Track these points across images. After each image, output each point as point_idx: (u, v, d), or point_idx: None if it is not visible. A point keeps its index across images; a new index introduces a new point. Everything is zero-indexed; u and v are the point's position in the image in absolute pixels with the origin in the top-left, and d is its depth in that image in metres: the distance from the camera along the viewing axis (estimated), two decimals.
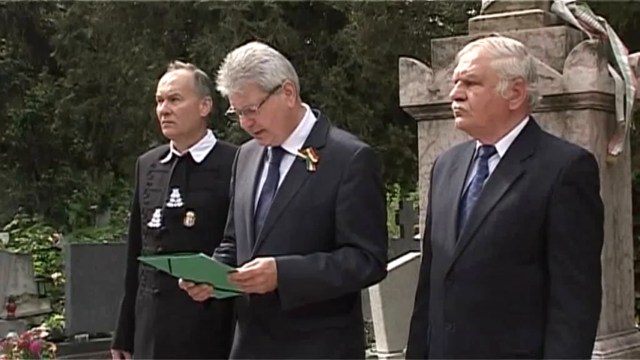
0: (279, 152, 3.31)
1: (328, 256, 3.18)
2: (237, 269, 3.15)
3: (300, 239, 3.21)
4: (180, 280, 3.22)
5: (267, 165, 3.34)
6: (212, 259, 3.24)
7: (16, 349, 9.14)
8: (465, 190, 3.08)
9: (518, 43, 3.14)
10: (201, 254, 3.14)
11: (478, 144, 3.13)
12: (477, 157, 3.12)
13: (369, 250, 3.19)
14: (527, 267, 2.97)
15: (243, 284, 3.14)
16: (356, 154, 3.22)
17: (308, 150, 3.26)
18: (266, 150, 3.36)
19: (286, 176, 3.27)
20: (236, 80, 3.22)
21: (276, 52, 3.32)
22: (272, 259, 3.14)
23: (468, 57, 3.08)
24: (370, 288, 8.87)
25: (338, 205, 3.20)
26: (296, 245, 3.20)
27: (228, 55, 3.29)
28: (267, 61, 3.24)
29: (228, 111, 3.32)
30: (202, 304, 3.32)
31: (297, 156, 3.27)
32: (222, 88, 3.27)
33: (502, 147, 3.07)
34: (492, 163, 3.07)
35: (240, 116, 3.28)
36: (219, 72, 3.28)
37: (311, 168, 3.24)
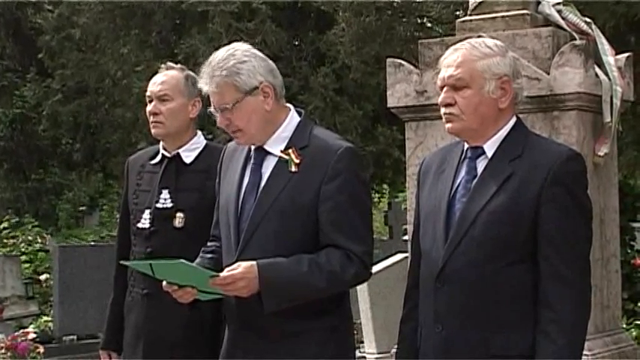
0: (262, 153, 3.31)
1: (311, 257, 3.17)
2: (219, 274, 3.16)
3: (284, 240, 3.21)
4: (164, 283, 3.23)
5: (250, 166, 3.34)
6: (193, 264, 3.23)
7: (3, 350, 9.13)
8: (453, 191, 3.08)
9: (499, 42, 3.14)
10: (182, 260, 3.15)
11: (466, 145, 3.13)
12: (464, 158, 3.12)
13: (352, 251, 3.19)
14: (517, 267, 2.97)
15: (225, 288, 3.15)
16: (338, 154, 3.21)
17: (290, 151, 3.25)
18: (250, 150, 3.36)
19: (268, 177, 3.27)
20: (213, 78, 3.24)
21: (259, 54, 3.31)
22: (253, 262, 3.14)
23: (451, 61, 3.06)
24: (358, 289, 8.88)
25: (321, 206, 3.19)
26: (280, 246, 3.20)
27: (212, 54, 3.31)
28: (245, 61, 3.25)
29: (210, 109, 3.33)
30: (188, 305, 3.32)
31: (280, 157, 3.26)
32: (201, 85, 3.30)
33: (490, 148, 3.06)
34: (481, 164, 3.07)
35: (218, 114, 3.29)
36: (201, 69, 3.31)
37: (293, 169, 3.23)
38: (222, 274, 3.14)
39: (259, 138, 3.29)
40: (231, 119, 3.25)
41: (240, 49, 3.29)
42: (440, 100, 3.08)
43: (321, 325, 3.23)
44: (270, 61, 3.33)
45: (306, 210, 3.20)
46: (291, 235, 3.21)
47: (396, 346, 3.32)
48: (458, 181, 3.09)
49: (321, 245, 3.21)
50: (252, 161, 3.33)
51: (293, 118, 3.33)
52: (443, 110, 3.08)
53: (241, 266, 3.14)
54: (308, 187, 3.21)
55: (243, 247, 3.24)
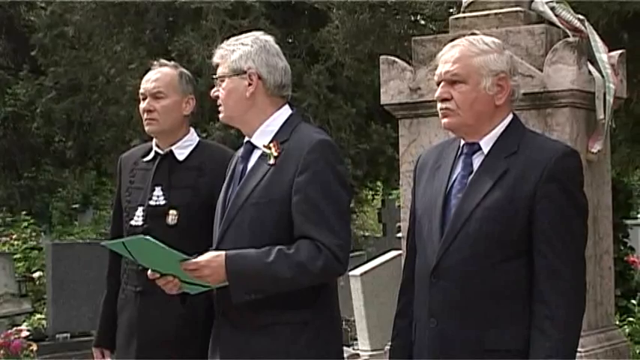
0: (250, 146, 3.39)
1: (280, 248, 3.19)
2: (187, 256, 3.21)
3: (259, 232, 3.24)
4: (149, 271, 3.29)
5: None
6: (158, 242, 3.24)
7: None
8: (449, 187, 3.09)
9: (497, 40, 3.16)
10: (147, 237, 3.22)
11: (462, 141, 3.14)
12: (460, 154, 3.13)
13: (322, 242, 3.18)
14: (512, 263, 2.98)
15: (192, 274, 3.20)
16: (311, 146, 3.25)
17: (271, 144, 3.31)
18: None
19: (250, 170, 3.34)
20: (219, 50, 3.41)
21: (271, 48, 3.38)
22: (221, 252, 3.20)
23: (448, 57, 3.08)
24: (352, 286, 8.88)
25: (293, 197, 3.22)
26: (255, 238, 3.23)
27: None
28: (246, 45, 3.37)
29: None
30: (178, 298, 3.36)
31: (263, 151, 3.32)
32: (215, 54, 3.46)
33: (486, 144, 3.07)
34: (477, 160, 3.08)
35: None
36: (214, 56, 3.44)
37: (271, 161, 3.29)
38: (189, 261, 3.19)
39: (238, 121, 3.39)
40: (219, 91, 3.39)
41: (255, 36, 3.41)
42: (436, 95, 3.09)
43: (291, 319, 3.24)
44: (279, 60, 3.38)
45: (280, 202, 3.23)
46: (265, 227, 3.24)
47: (390, 341, 3.32)
48: (454, 176, 3.10)
49: (294, 237, 3.22)
50: (240, 154, 3.41)
51: (282, 114, 3.38)
52: (439, 105, 3.09)
53: (209, 255, 3.21)
54: (283, 180, 3.25)
55: (220, 238, 3.31)
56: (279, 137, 3.32)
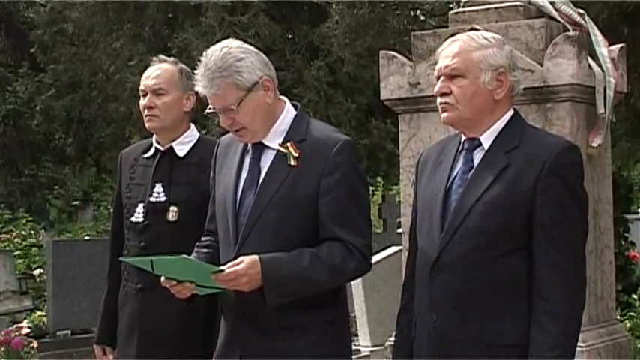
0: (260, 147, 3.30)
1: (312, 251, 3.17)
2: (222, 267, 3.14)
3: (283, 234, 3.20)
4: (162, 278, 3.21)
5: (247, 160, 3.32)
6: (195, 259, 3.23)
7: None
8: (450, 182, 3.09)
9: (497, 35, 3.17)
10: (184, 255, 3.15)
11: (463, 137, 3.14)
12: (461, 150, 3.13)
13: (353, 243, 3.19)
14: (512, 257, 2.98)
15: (228, 284, 3.14)
16: (337, 147, 3.21)
17: (288, 144, 3.25)
18: (246, 145, 3.34)
19: (267, 171, 3.26)
20: (213, 81, 3.21)
21: (252, 49, 3.30)
22: (256, 257, 3.13)
23: (448, 52, 3.08)
24: (353, 282, 8.88)
25: (321, 199, 3.20)
26: (279, 240, 3.19)
27: (204, 54, 3.26)
28: (243, 58, 3.22)
29: (207, 110, 3.29)
30: (184, 300, 3.31)
31: (278, 150, 3.26)
32: (199, 88, 3.26)
33: (487, 139, 3.07)
34: (477, 156, 3.08)
35: (219, 115, 3.27)
36: (195, 71, 3.27)
37: (292, 163, 3.23)
38: (226, 270, 3.12)
39: (262, 133, 3.28)
40: (235, 118, 3.23)
41: (234, 45, 3.26)
42: (436, 89, 3.09)
43: (318, 319, 3.24)
44: (262, 54, 3.32)
45: (306, 203, 3.20)
46: (290, 229, 3.21)
47: (393, 337, 3.32)
48: (455, 172, 3.10)
49: (321, 238, 3.21)
50: (249, 156, 3.32)
51: (289, 112, 3.33)
52: (439, 100, 3.09)
53: (244, 262, 3.12)
54: (307, 181, 3.20)
55: (242, 242, 3.23)
56: (294, 136, 3.26)
